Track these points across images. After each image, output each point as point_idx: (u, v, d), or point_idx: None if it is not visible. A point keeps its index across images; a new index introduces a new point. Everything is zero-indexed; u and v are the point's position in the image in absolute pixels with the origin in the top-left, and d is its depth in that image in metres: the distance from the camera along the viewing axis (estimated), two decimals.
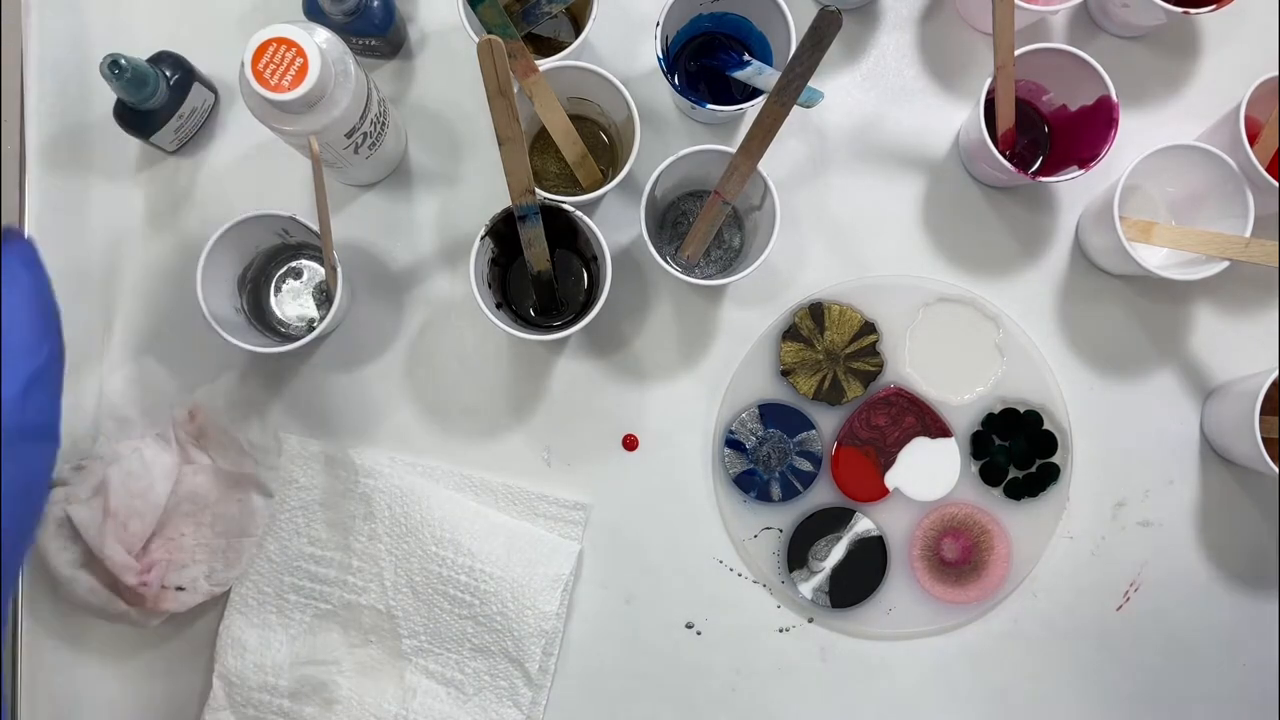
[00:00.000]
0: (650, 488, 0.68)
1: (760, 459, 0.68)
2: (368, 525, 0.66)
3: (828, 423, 0.68)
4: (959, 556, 0.68)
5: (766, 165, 0.59)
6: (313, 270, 0.69)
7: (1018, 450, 0.68)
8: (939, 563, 0.67)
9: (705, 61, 0.67)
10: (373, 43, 0.67)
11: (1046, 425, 0.68)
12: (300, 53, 0.54)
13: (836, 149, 0.70)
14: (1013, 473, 0.68)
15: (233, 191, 0.69)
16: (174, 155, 0.69)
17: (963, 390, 0.68)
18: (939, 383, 0.68)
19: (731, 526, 0.68)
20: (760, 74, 0.63)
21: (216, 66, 0.69)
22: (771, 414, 0.68)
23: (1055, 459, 0.68)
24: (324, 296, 0.68)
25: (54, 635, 0.66)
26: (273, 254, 0.68)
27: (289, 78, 0.54)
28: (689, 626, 0.68)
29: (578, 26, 0.68)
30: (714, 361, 0.69)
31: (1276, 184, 0.62)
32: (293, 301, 0.69)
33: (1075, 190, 0.69)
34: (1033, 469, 0.68)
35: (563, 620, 0.67)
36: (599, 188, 0.62)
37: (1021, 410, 0.68)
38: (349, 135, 0.59)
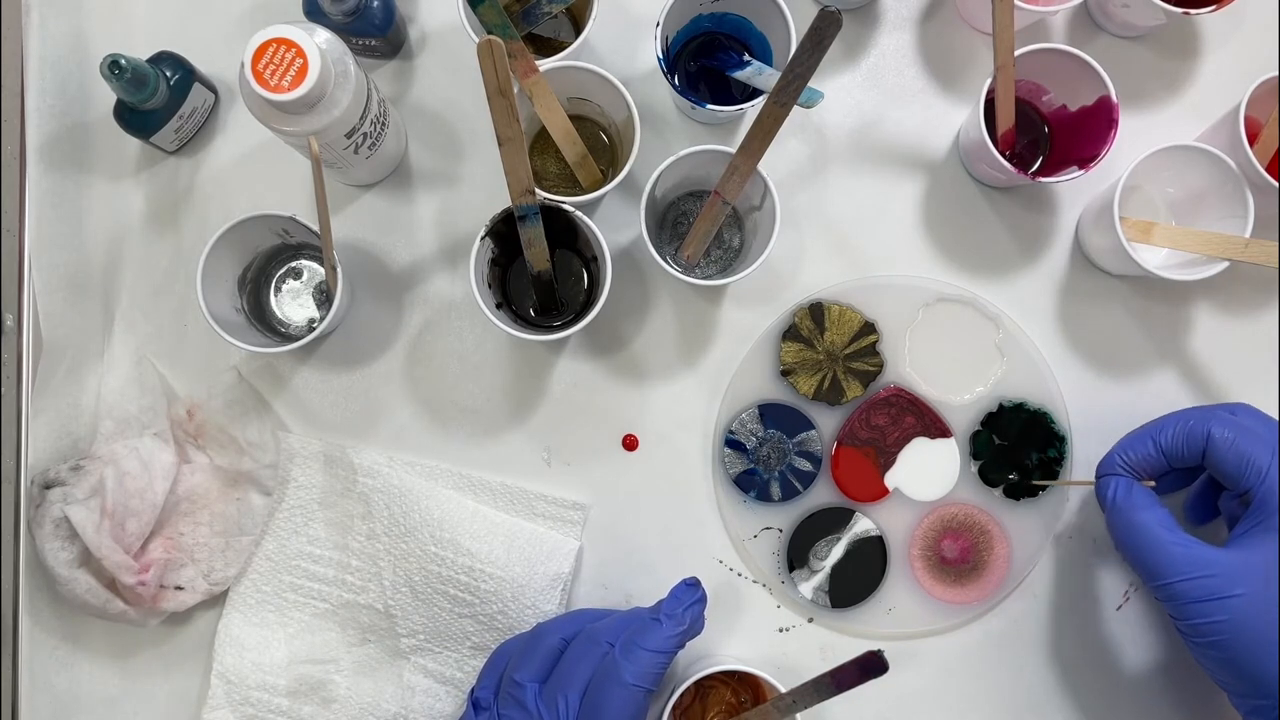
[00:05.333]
0: (650, 488, 0.68)
1: (760, 459, 0.68)
2: (366, 525, 0.66)
3: (828, 423, 0.68)
4: (959, 556, 0.68)
5: (766, 165, 0.59)
6: (313, 270, 0.69)
7: (1017, 450, 0.68)
8: (939, 563, 0.67)
9: (705, 61, 0.67)
10: (373, 43, 0.67)
11: (1047, 425, 0.68)
12: (300, 53, 0.54)
13: (836, 149, 0.70)
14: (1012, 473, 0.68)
15: (233, 191, 0.69)
16: (174, 155, 0.69)
17: (963, 390, 0.68)
18: (939, 383, 0.68)
19: (731, 526, 0.68)
20: (760, 74, 0.63)
21: (216, 66, 0.69)
22: (771, 414, 0.68)
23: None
24: (324, 296, 0.68)
25: (53, 635, 0.66)
26: (273, 254, 0.68)
27: (289, 78, 0.54)
28: None
29: (578, 26, 0.68)
30: (714, 361, 0.69)
31: (1276, 184, 0.62)
32: (293, 301, 0.69)
33: (1075, 190, 0.69)
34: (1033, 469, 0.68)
35: None
36: (599, 188, 0.62)
37: (1021, 409, 0.68)
38: (349, 135, 0.59)
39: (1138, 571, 0.58)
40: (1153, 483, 0.60)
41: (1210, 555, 0.55)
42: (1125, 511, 0.58)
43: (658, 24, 0.61)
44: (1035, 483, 0.67)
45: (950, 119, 0.70)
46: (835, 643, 0.68)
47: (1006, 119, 0.64)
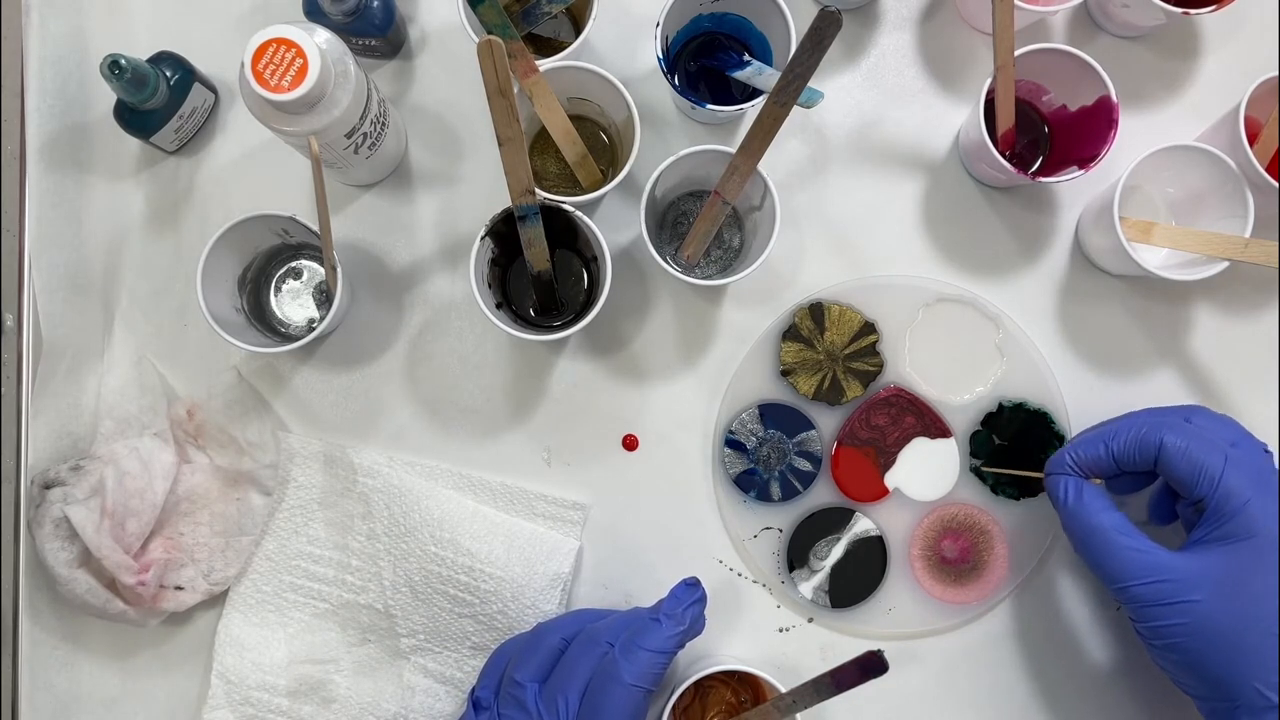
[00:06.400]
0: (650, 488, 0.68)
1: (760, 459, 0.68)
2: (366, 525, 0.66)
3: (828, 423, 0.68)
4: (959, 556, 0.68)
5: (766, 165, 0.59)
6: (313, 270, 0.69)
7: (1017, 449, 0.68)
8: (939, 563, 0.67)
9: (705, 61, 0.67)
10: (373, 43, 0.67)
11: (1047, 425, 0.68)
12: (300, 53, 0.54)
13: (836, 149, 0.70)
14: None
15: (233, 191, 0.69)
16: (174, 155, 0.69)
17: (963, 390, 0.68)
18: (939, 383, 0.68)
19: (731, 526, 0.68)
20: (760, 74, 0.63)
21: (216, 66, 0.69)
22: (771, 414, 0.68)
23: None
24: (324, 296, 0.68)
25: (53, 634, 0.66)
26: (273, 254, 0.68)
27: (289, 78, 0.54)
28: None
29: (578, 26, 0.68)
30: (714, 361, 0.69)
31: (1276, 184, 0.62)
32: (293, 301, 0.69)
33: (1075, 190, 0.69)
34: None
35: None
36: (599, 188, 0.62)
37: (1021, 409, 0.68)
38: (349, 135, 0.59)
39: (1095, 573, 0.59)
40: (1100, 481, 0.60)
41: (1166, 560, 0.55)
42: (1078, 515, 0.58)
43: (658, 24, 0.61)
44: (984, 468, 0.67)
45: (950, 119, 0.70)
46: (835, 643, 0.68)
47: (1006, 119, 0.64)
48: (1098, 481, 0.60)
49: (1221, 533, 0.55)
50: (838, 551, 0.67)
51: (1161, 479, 0.62)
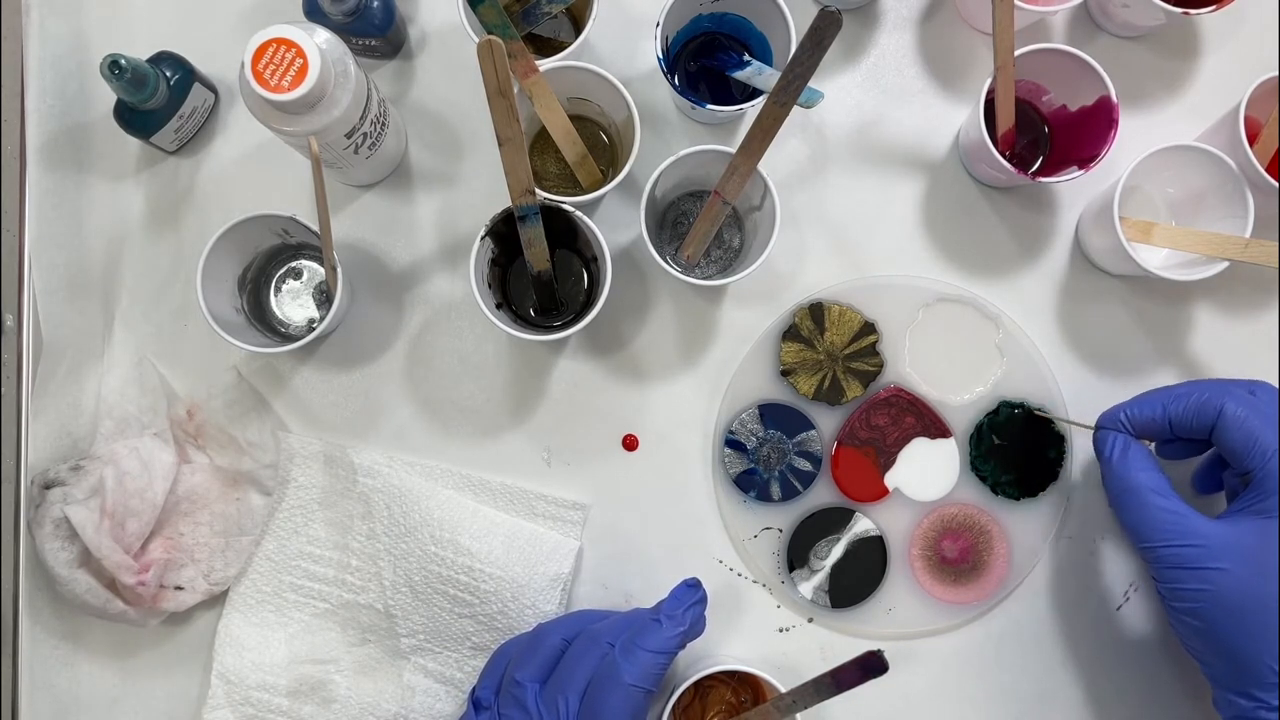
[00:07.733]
0: (650, 488, 0.68)
1: (760, 459, 0.68)
2: (366, 525, 0.66)
3: (828, 423, 0.68)
4: (959, 556, 0.68)
5: (766, 165, 0.59)
6: (313, 270, 0.69)
7: (1016, 450, 0.68)
8: (939, 563, 0.68)
9: (705, 62, 0.67)
10: (373, 43, 0.67)
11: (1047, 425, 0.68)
12: (300, 53, 0.54)
13: (836, 149, 0.70)
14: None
15: (233, 191, 0.69)
16: (174, 155, 0.69)
17: (963, 390, 0.68)
18: (939, 383, 0.68)
19: (731, 526, 0.68)
20: (760, 74, 0.63)
21: (216, 66, 0.69)
22: (771, 414, 0.68)
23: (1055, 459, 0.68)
24: (324, 296, 0.68)
25: (53, 634, 0.66)
26: (273, 254, 0.68)
27: (289, 78, 0.54)
28: None
29: (578, 26, 0.68)
30: (714, 361, 0.69)
31: (1276, 184, 0.62)
32: (293, 301, 0.69)
33: (1075, 190, 0.69)
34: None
35: None
36: (599, 188, 0.62)
37: (1020, 409, 0.68)
38: (349, 135, 0.59)
39: (1125, 530, 0.59)
40: (1150, 444, 0.60)
41: (1200, 526, 0.56)
42: (1119, 471, 0.59)
43: (658, 24, 0.61)
44: (1036, 411, 0.67)
45: (950, 119, 0.70)
46: (835, 643, 0.68)
47: (1006, 119, 0.64)
48: (1147, 444, 0.60)
49: (1263, 507, 0.55)
50: (838, 551, 0.67)
51: (1212, 449, 0.62)
